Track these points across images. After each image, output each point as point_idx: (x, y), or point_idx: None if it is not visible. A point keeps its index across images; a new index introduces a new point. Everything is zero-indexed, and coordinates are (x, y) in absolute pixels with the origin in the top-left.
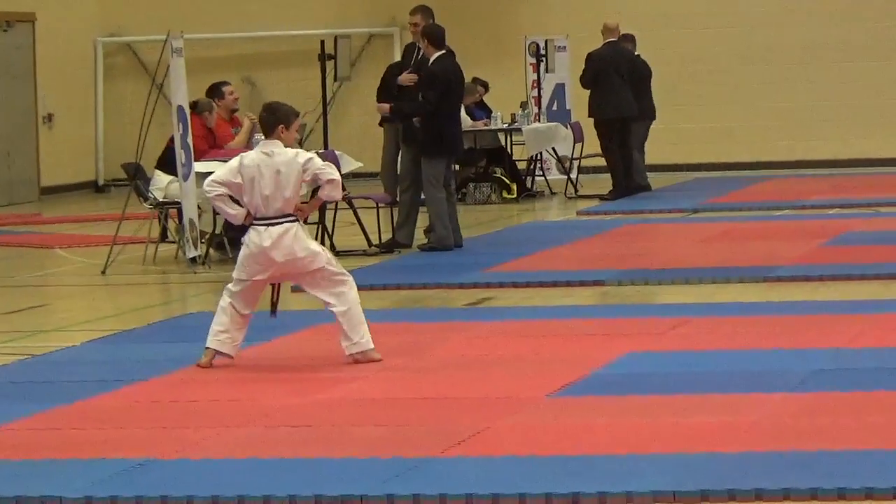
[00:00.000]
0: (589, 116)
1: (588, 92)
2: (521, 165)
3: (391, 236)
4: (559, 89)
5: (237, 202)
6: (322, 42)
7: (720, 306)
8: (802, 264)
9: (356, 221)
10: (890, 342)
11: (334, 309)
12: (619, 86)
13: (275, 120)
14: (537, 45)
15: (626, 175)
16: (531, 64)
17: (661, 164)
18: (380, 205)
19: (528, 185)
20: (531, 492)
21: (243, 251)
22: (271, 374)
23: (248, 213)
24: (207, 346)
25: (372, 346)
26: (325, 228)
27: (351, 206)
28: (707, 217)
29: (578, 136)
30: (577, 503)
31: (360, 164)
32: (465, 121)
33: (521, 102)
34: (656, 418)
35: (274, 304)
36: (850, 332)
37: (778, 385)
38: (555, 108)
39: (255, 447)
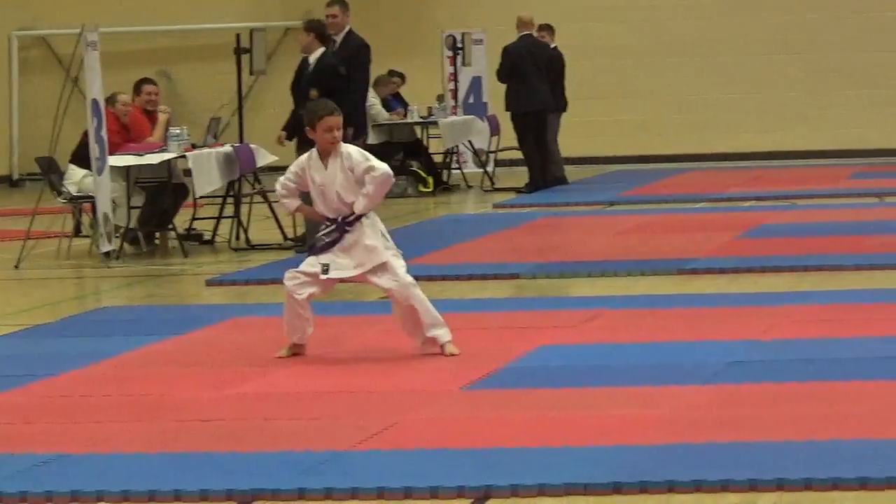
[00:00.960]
0: (506, 110)
1: (504, 85)
2: (438, 159)
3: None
4: (476, 82)
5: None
6: (237, 36)
7: (635, 299)
8: (717, 257)
9: (271, 215)
10: (804, 334)
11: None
12: (536, 78)
13: (303, 123)
14: (454, 38)
15: (543, 168)
16: (448, 57)
17: (578, 157)
18: None
19: (445, 178)
20: (444, 485)
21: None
22: (183, 368)
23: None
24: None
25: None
26: (240, 222)
27: (266, 199)
28: (623, 210)
29: (495, 130)
30: (490, 496)
31: (276, 158)
32: (381, 114)
33: (438, 96)
34: (569, 411)
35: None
36: (764, 323)
37: (692, 377)
38: (471, 101)
39: (167, 442)
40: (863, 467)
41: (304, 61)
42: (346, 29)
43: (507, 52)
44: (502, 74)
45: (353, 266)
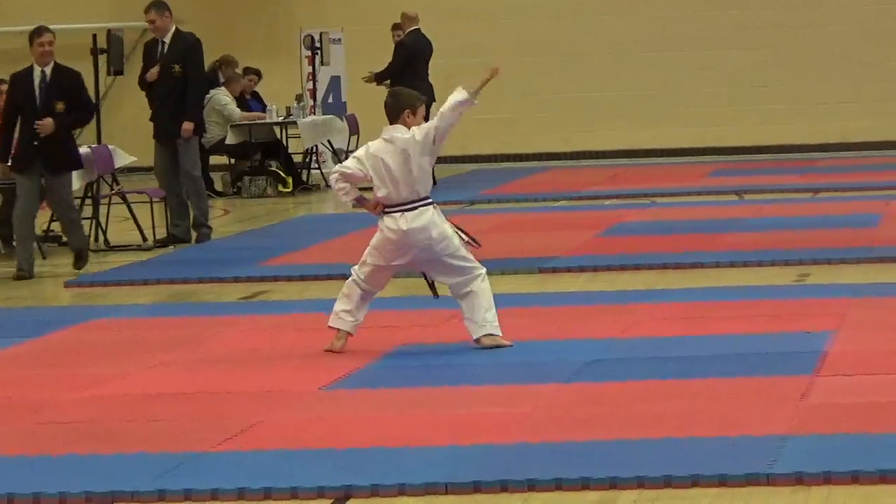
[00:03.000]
0: None
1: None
2: (297, 158)
3: (167, 232)
4: (335, 82)
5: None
6: (94, 36)
7: (495, 298)
8: (577, 255)
9: (130, 216)
10: (663, 332)
11: (459, 291)
12: (425, 73)
13: (398, 105)
14: (312, 37)
15: None
16: (306, 57)
17: (442, 156)
18: (154, 199)
19: (304, 178)
20: (304, 485)
21: (378, 237)
22: (42, 370)
23: (378, 203)
24: (336, 327)
25: (499, 331)
26: (98, 224)
27: (125, 200)
28: (483, 209)
29: (354, 129)
30: (350, 496)
31: (134, 159)
32: (234, 113)
33: (297, 95)
34: (430, 410)
35: (431, 286)
36: (623, 322)
37: (552, 376)
38: (330, 100)
39: (25, 444)
40: (722, 464)
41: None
42: (172, 30)
43: (403, 46)
44: (395, 69)
45: None
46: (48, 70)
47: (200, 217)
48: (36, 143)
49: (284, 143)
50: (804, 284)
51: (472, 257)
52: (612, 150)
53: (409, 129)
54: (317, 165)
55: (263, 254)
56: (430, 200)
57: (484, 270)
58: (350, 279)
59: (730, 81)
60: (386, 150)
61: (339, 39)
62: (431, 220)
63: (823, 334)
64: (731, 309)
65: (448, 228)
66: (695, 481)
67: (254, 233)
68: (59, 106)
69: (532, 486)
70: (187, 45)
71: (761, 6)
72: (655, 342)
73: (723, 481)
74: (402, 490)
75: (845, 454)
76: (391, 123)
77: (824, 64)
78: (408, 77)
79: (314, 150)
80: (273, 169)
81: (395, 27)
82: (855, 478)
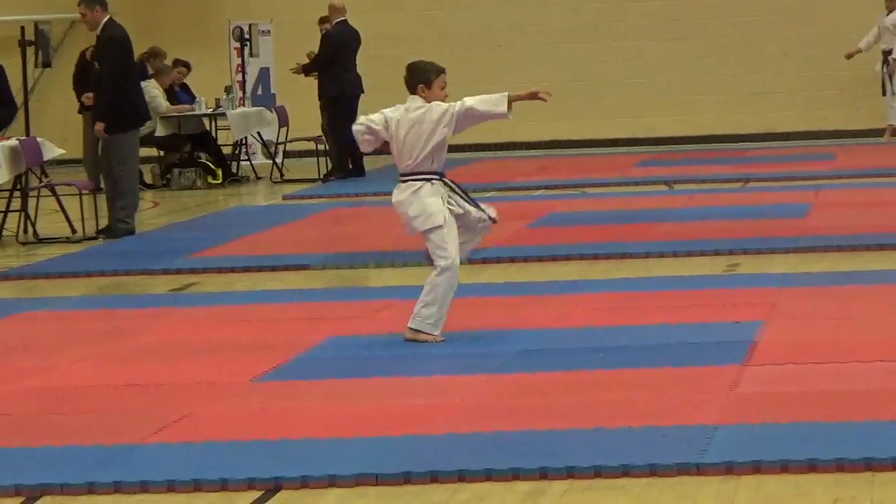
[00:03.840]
0: (324, 97)
1: (302, 73)
2: (227, 150)
3: (108, 223)
4: (264, 73)
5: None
6: (22, 28)
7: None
8: (507, 246)
9: (59, 208)
10: (593, 322)
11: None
12: (352, 64)
13: (412, 80)
14: (241, 29)
15: (353, 154)
16: (235, 48)
17: None
18: (83, 191)
19: (234, 170)
20: (234, 477)
21: None
22: None
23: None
24: None
25: (427, 328)
26: (27, 216)
27: (54, 193)
28: None
29: (284, 121)
30: (280, 488)
31: (63, 151)
32: (161, 106)
33: (226, 87)
34: (360, 401)
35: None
36: (554, 312)
37: (482, 366)
38: (259, 92)
39: None
40: (652, 454)
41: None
42: (102, 23)
43: (330, 37)
44: (323, 61)
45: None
46: None
47: (120, 213)
48: None
49: (214, 134)
50: (734, 274)
51: (445, 246)
52: (542, 141)
53: (428, 102)
54: (246, 157)
55: (193, 246)
56: (429, 176)
57: (444, 264)
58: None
59: (658, 72)
60: (400, 117)
61: (268, 31)
62: (415, 195)
63: (753, 324)
64: (662, 299)
65: (433, 207)
66: (625, 471)
67: (183, 225)
68: (88, 98)
69: (462, 476)
70: (105, 40)
71: None
72: (586, 332)
73: (653, 471)
74: (332, 481)
75: (775, 443)
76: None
77: (750, 54)
78: (336, 68)
79: (244, 141)
80: (202, 161)
81: (323, 20)
82: (785, 467)
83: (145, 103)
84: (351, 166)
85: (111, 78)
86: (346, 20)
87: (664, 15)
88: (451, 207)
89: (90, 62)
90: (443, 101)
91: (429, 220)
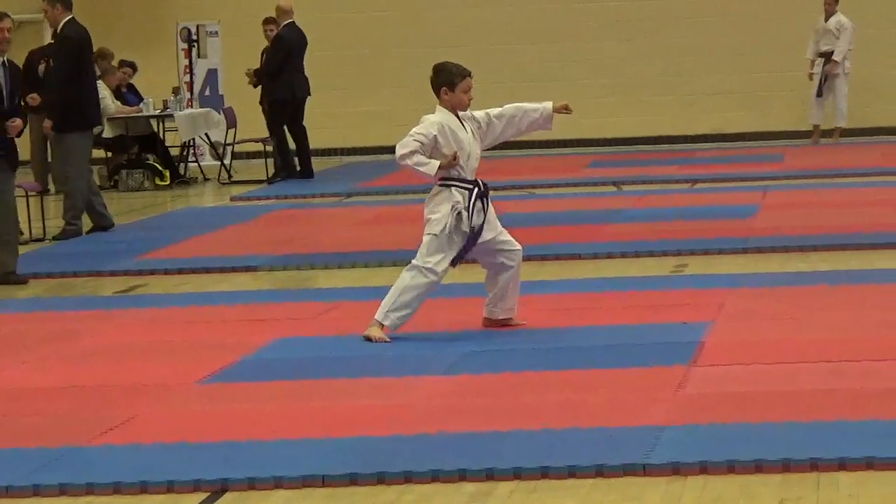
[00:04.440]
0: (273, 99)
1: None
2: (175, 152)
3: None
4: (212, 75)
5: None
6: None
7: (373, 290)
8: None
9: None
10: (541, 323)
11: None
12: (301, 66)
13: (435, 82)
14: (189, 30)
15: (302, 155)
16: (183, 49)
17: (319, 149)
18: (30, 193)
19: (182, 171)
20: (180, 479)
21: None
22: None
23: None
24: None
25: (383, 323)
26: None
27: None
28: (362, 201)
29: (231, 122)
30: (227, 489)
31: None
32: (109, 107)
33: (174, 88)
34: (306, 403)
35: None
36: None
37: (429, 368)
38: (207, 93)
39: None
40: (599, 455)
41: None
42: (62, 22)
43: (282, 39)
44: (276, 62)
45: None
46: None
47: (67, 214)
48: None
49: (161, 136)
50: (682, 275)
51: (428, 252)
52: None
53: (450, 105)
54: (194, 159)
55: (140, 247)
56: (445, 182)
57: (415, 262)
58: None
59: (607, 73)
60: (455, 125)
61: (216, 32)
62: (433, 198)
63: (700, 325)
64: (609, 300)
65: (438, 214)
66: (571, 472)
67: (131, 226)
68: (34, 98)
69: (409, 477)
70: (59, 39)
71: None
72: (533, 333)
73: (600, 472)
74: (278, 483)
75: (721, 444)
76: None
77: (699, 55)
78: (286, 71)
79: (191, 143)
80: (150, 162)
81: (268, 21)
82: (731, 467)
83: (98, 106)
84: (300, 168)
85: (60, 76)
86: (293, 22)
87: (615, 16)
88: (461, 220)
89: (36, 63)
90: (466, 105)
91: (429, 225)
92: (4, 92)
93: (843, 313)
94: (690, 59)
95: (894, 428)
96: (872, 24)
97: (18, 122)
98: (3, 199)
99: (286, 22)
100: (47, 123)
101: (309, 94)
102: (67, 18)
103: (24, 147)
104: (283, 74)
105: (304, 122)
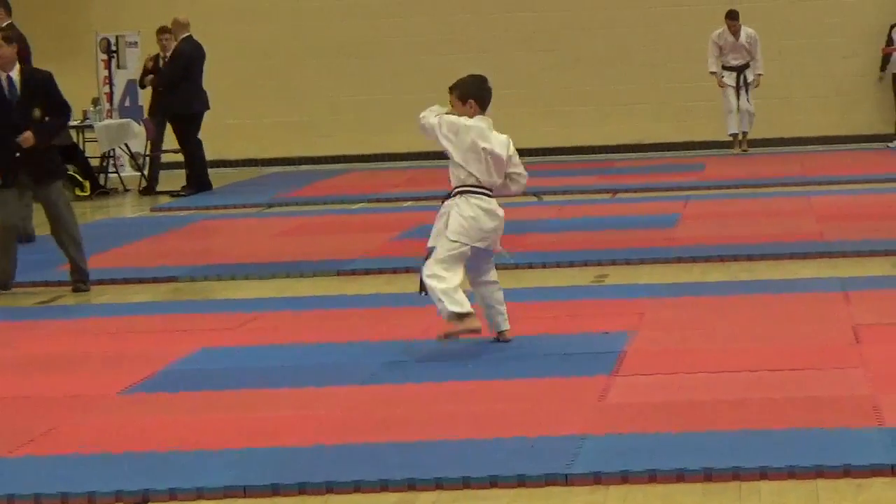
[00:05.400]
0: (173, 111)
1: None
2: (95, 162)
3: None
4: (131, 86)
5: None
6: None
7: (294, 300)
8: (376, 257)
9: None
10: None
11: None
12: (200, 79)
13: (452, 86)
14: (108, 40)
15: (203, 168)
16: (102, 60)
17: (237, 160)
18: None
19: (102, 182)
20: (100, 490)
21: None
22: None
23: None
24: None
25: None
26: None
27: None
28: (281, 212)
29: (151, 133)
30: (148, 500)
31: None
32: None
33: (93, 99)
34: (228, 413)
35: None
36: (422, 323)
37: (350, 378)
38: (127, 104)
39: None
40: (520, 465)
41: None
42: None
43: (182, 53)
44: (176, 75)
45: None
46: (14, 74)
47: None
48: (18, 154)
49: (81, 146)
50: (603, 285)
51: (434, 258)
52: (410, 153)
53: (469, 116)
54: (114, 169)
55: (61, 258)
56: (456, 193)
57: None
58: None
59: (525, 84)
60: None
61: (136, 42)
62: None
63: (621, 334)
64: (531, 310)
65: (446, 227)
66: (493, 482)
67: (51, 237)
68: (37, 113)
69: (330, 488)
70: None
71: (552, 8)
72: (454, 343)
73: (521, 482)
74: (200, 493)
75: (643, 453)
76: None
77: (615, 65)
78: (187, 84)
79: (112, 153)
80: (70, 173)
81: (163, 31)
82: (652, 477)
83: None
84: (193, 182)
85: None
86: (191, 35)
87: (532, 26)
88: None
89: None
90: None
91: (439, 238)
92: (11, 108)
93: (764, 323)
94: (608, 69)
95: (815, 437)
96: (783, 34)
97: (28, 134)
98: (57, 213)
99: (184, 35)
100: None
101: (208, 108)
102: (5, 24)
103: None
104: (181, 88)
105: (221, 134)
